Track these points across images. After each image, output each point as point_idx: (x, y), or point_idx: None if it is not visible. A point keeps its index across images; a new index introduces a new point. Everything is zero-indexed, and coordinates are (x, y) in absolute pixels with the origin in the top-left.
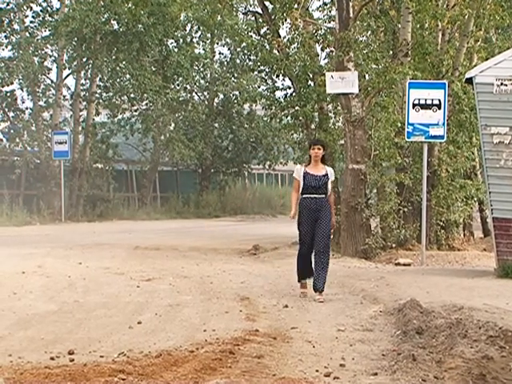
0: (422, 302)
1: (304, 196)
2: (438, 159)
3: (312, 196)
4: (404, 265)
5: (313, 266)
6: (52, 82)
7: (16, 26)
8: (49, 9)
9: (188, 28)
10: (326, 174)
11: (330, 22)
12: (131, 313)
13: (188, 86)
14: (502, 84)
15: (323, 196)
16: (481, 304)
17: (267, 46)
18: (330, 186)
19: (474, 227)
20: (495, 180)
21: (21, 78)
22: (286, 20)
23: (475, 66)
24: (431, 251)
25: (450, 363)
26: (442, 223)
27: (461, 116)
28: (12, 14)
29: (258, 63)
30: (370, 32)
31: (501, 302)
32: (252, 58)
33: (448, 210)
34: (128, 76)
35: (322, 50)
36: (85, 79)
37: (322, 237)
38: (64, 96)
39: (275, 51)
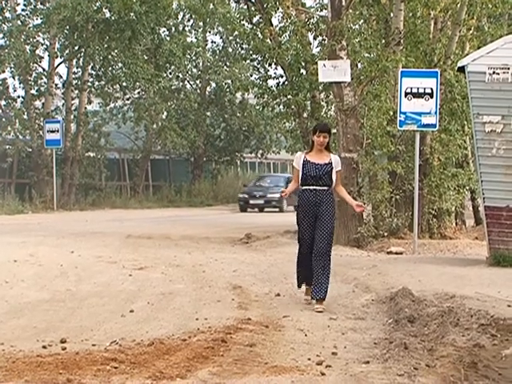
0: (414, 290)
1: (303, 188)
2: (430, 148)
3: (311, 188)
4: (396, 253)
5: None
6: (44, 70)
7: (7, 14)
8: None
9: (180, 16)
10: (330, 163)
11: (322, 11)
12: (123, 301)
13: (180, 75)
14: (494, 73)
15: (325, 188)
16: (472, 292)
17: (259, 35)
18: (334, 177)
19: (465, 216)
20: (487, 169)
21: (12, 66)
22: (278, 9)
23: (467, 54)
24: (423, 240)
25: (442, 351)
26: (433, 212)
27: (453, 105)
28: (3, 2)
29: (251, 52)
30: (362, 20)
31: (492, 291)
32: (244, 46)
33: (440, 199)
34: (120, 64)
35: (315, 38)
36: (77, 67)
37: (322, 237)
38: (56, 84)
39: (267, 40)
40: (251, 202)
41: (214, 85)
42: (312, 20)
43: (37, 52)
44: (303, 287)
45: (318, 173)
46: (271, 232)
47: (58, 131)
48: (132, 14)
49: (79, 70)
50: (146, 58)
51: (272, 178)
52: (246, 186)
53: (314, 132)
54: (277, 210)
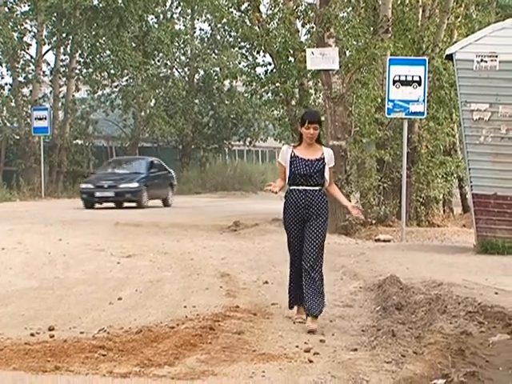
0: (402, 277)
1: (291, 188)
2: (418, 136)
3: (301, 188)
4: (384, 241)
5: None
6: (31, 57)
7: None
8: None
9: (168, 4)
10: (322, 158)
11: None
12: (111, 289)
13: (168, 62)
14: (482, 60)
15: (317, 188)
16: (460, 280)
17: (248, 22)
18: (327, 175)
19: (453, 203)
20: (475, 156)
21: (0, 53)
22: None
23: (455, 42)
24: (411, 227)
25: (429, 338)
26: (421, 199)
27: (441, 92)
28: None
29: (239, 39)
30: (350, 8)
31: (480, 278)
32: (232, 34)
33: (428, 187)
34: (108, 52)
35: (303, 26)
36: (64, 55)
37: (312, 245)
38: (43, 72)
39: (256, 27)
40: (98, 194)
41: (202, 72)
42: (300, 7)
43: (24, 39)
44: (295, 308)
45: (308, 170)
46: (260, 220)
47: (45, 119)
48: (120, 1)
49: (67, 57)
50: (133, 45)
51: (129, 162)
52: (94, 173)
53: (301, 123)
54: (134, 204)
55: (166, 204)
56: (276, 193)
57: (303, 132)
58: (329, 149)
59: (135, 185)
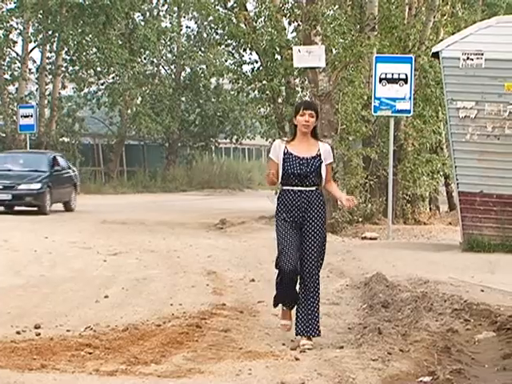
0: (388, 275)
1: (284, 188)
2: (404, 133)
3: (295, 189)
4: (370, 239)
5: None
6: (17, 55)
7: None
8: None
9: (154, 1)
10: (319, 155)
11: None
12: (98, 287)
13: (155, 60)
14: (468, 58)
15: (313, 189)
16: (446, 277)
17: (234, 20)
18: (324, 173)
19: (439, 201)
20: (461, 154)
21: None
22: None
23: (442, 40)
24: (397, 225)
25: (416, 336)
26: (408, 197)
27: (427, 90)
28: None
29: (225, 37)
30: (336, 6)
31: (466, 276)
32: (219, 31)
33: (414, 184)
34: (94, 49)
35: (289, 23)
36: (50, 52)
37: (311, 252)
38: (30, 69)
39: (242, 25)
40: None
41: (188, 70)
42: (287, 5)
43: (10, 36)
44: (280, 306)
45: (303, 170)
46: (246, 217)
47: (31, 116)
48: None
49: (53, 54)
50: (120, 42)
51: (27, 158)
52: None
53: (296, 111)
54: (35, 208)
55: (68, 208)
56: (275, 183)
57: (298, 121)
58: (325, 144)
59: (37, 186)
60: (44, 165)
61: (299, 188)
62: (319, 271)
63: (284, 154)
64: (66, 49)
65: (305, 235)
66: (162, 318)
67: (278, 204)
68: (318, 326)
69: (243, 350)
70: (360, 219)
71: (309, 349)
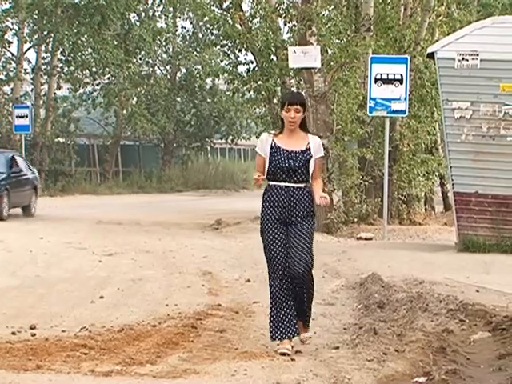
0: (384, 276)
1: (270, 183)
2: (399, 134)
3: (282, 185)
4: (366, 239)
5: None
6: (13, 55)
7: None
8: None
9: (150, 1)
10: (308, 149)
11: None
12: (93, 287)
13: (150, 60)
14: (463, 59)
15: (301, 185)
16: (441, 278)
17: (230, 20)
18: (312, 167)
19: (435, 202)
20: (456, 155)
21: None
22: None
23: (437, 40)
24: (393, 225)
25: (411, 336)
26: (403, 198)
27: (422, 91)
28: None
29: (221, 37)
30: (332, 6)
31: (461, 276)
32: (214, 32)
33: (409, 185)
34: (90, 50)
35: (285, 24)
36: (46, 52)
37: (300, 253)
38: (25, 69)
39: (238, 25)
40: None
41: (184, 70)
42: (282, 5)
43: (5, 37)
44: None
45: (291, 164)
46: (242, 218)
47: (27, 117)
48: None
49: (48, 55)
50: (115, 43)
51: None
52: None
53: (281, 106)
54: None
55: (27, 213)
56: (260, 186)
57: (284, 116)
58: (315, 137)
59: None
60: (1, 165)
61: (286, 184)
62: (312, 269)
63: (271, 147)
64: (61, 49)
65: (294, 234)
66: (158, 319)
67: (264, 201)
68: (308, 316)
69: (239, 351)
70: (355, 220)
71: (301, 345)
